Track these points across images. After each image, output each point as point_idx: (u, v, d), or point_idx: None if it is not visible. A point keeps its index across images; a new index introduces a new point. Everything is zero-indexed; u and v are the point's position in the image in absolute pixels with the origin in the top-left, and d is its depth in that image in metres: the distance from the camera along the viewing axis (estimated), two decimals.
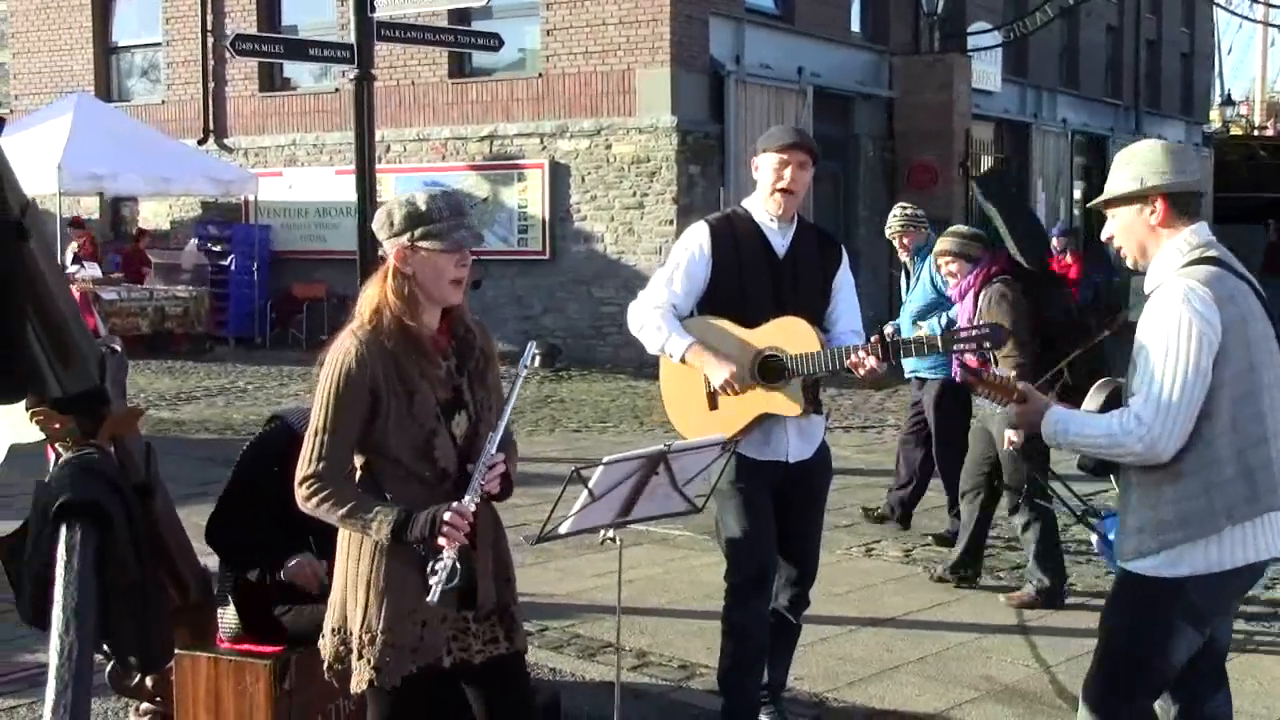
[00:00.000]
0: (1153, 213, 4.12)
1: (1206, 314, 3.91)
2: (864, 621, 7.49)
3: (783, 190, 5.39)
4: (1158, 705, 4.37)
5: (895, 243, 9.90)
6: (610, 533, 4.66)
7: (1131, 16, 36.68)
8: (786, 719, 5.81)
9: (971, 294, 7.94)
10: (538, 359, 4.17)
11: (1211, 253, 4.09)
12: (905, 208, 10.07)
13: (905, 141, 25.25)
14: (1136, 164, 4.17)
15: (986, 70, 27.31)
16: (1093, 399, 4.31)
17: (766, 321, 5.31)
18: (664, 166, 20.31)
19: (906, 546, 9.31)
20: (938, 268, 8.51)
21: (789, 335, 5.27)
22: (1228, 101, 51.71)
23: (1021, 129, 29.90)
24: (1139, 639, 4.13)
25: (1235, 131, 51.26)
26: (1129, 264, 4.26)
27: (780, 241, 5.47)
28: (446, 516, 3.77)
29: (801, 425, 5.42)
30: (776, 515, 5.48)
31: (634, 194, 20.40)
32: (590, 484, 4.41)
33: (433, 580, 3.79)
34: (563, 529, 4.54)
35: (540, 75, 21.34)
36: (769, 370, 5.27)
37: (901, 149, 25.29)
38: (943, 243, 8.34)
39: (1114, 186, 4.20)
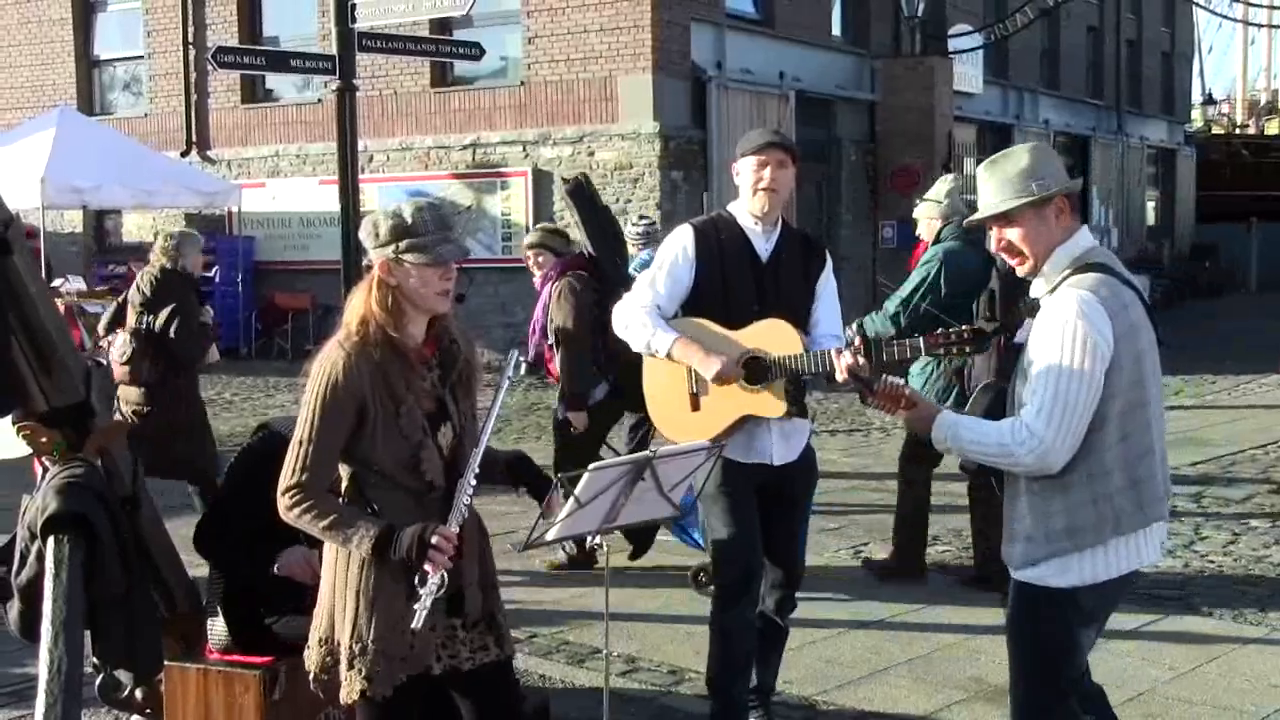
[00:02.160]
0: (1059, 214, 4.09)
1: (1099, 325, 3.89)
2: (852, 623, 7.51)
3: (765, 189, 5.41)
4: None
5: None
6: (598, 538, 4.67)
7: (1112, 17, 36.80)
8: None
9: (548, 286, 8.61)
10: (524, 367, 4.18)
11: (1097, 258, 4.07)
12: (637, 222, 11.02)
13: (887, 144, 25.29)
14: (1023, 170, 4.09)
15: (968, 72, 27.37)
16: (977, 403, 4.29)
17: (749, 324, 5.33)
18: (647, 172, 20.33)
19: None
20: (526, 259, 9.20)
21: (772, 337, 5.29)
22: (1209, 100, 51.90)
23: (1004, 130, 29.96)
24: (1043, 646, 4.14)
25: (1217, 130, 51.47)
26: (1023, 272, 4.17)
27: (764, 245, 5.50)
28: (433, 540, 3.77)
29: (785, 428, 5.44)
30: (762, 518, 5.49)
31: (617, 200, 20.38)
32: (577, 490, 4.42)
33: (417, 606, 3.79)
34: (549, 535, 4.54)
35: (522, 83, 21.36)
36: (752, 372, 5.29)
37: (884, 152, 25.33)
38: (530, 236, 9.28)
39: (1006, 196, 4.10)
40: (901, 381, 4.31)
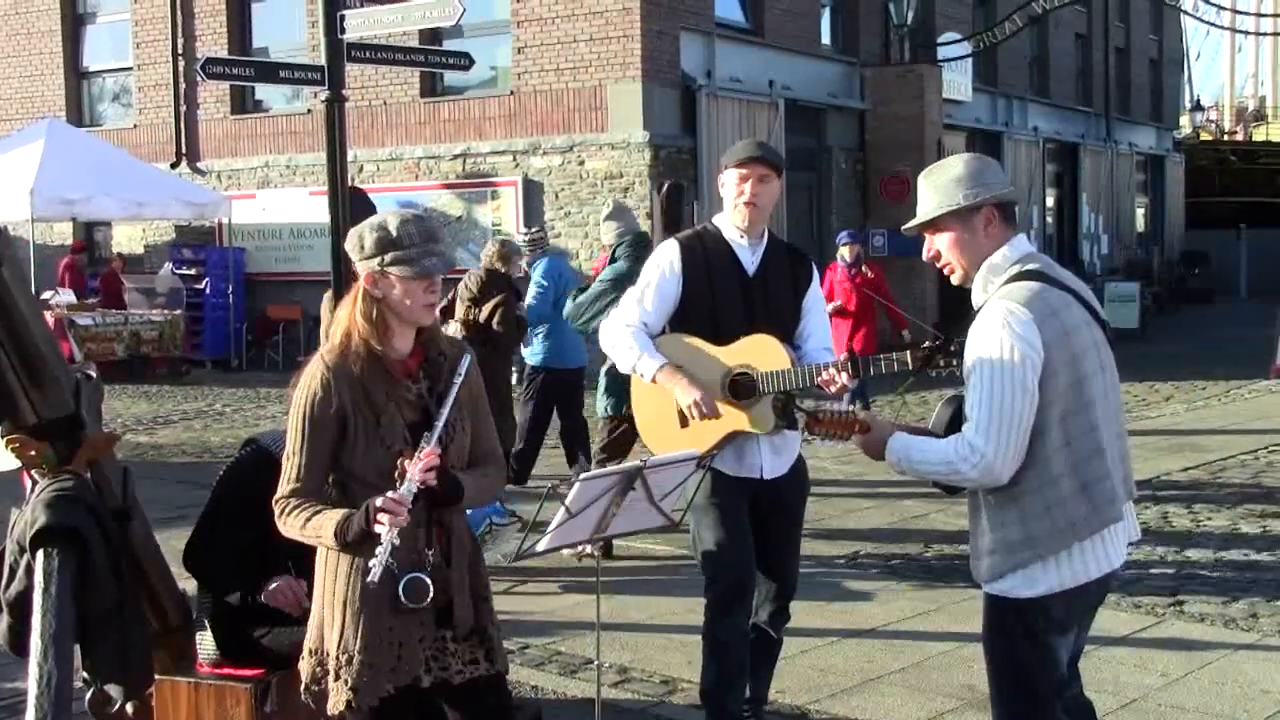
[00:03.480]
0: (987, 223, 4.09)
1: (1026, 335, 3.89)
2: (845, 633, 7.50)
3: (746, 204, 5.41)
4: None
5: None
6: (589, 548, 4.67)
7: (1100, 24, 36.89)
8: None
9: None
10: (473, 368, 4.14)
11: (1031, 265, 4.07)
12: (525, 231, 12.01)
13: (877, 152, 25.33)
14: (954, 178, 4.11)
15: (957, 80, 27.43)
16: (939, 415, 4.28)
17: (737, 339, 5.32)
18: (637, 181, 20.34)
19: (886, 557, 9.32)
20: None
21: (759, 353, 5.28)
22: (1197, 107, 52.04)
23: (993, 138, 30.00)
24: (1018, 658, 4.14)
25: (1205, 137, 51.60)
26: (955, 280, 4.19)
27: (750, 258, 5.49)
28: (379, 503, 3.76)
29: (775, 442, 5.43)
30: (755, 531, 5.48)
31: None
32: (567, 501, 4.42)
33: (372, 562, 3.77)
34: (540, 546, 4.55)
35: (512, 93, 21.37)
36: (740, 388, 5.28)
37: (873, 160, 25.38)
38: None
39: (936, 203, 4.13)
40: (849, 408, 4.31)
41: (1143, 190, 40.70)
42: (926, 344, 4.83)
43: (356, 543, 3.82)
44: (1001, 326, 3.92)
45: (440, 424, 3.93)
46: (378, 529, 3.75)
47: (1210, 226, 41.53)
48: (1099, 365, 4.07)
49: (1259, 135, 54.94)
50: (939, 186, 4.13)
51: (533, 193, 21.07)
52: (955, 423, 4.12)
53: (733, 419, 5.28)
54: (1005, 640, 4.16)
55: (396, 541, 3.77)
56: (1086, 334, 4.04)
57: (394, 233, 3.92)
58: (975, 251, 4.11)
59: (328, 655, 3.95)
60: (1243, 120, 59.64)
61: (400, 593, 3.87)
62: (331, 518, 3.84)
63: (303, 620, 4.25)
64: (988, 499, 4.07)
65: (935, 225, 4.15)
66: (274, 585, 4.93)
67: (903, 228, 4.35)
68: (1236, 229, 40.77)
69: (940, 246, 4.16)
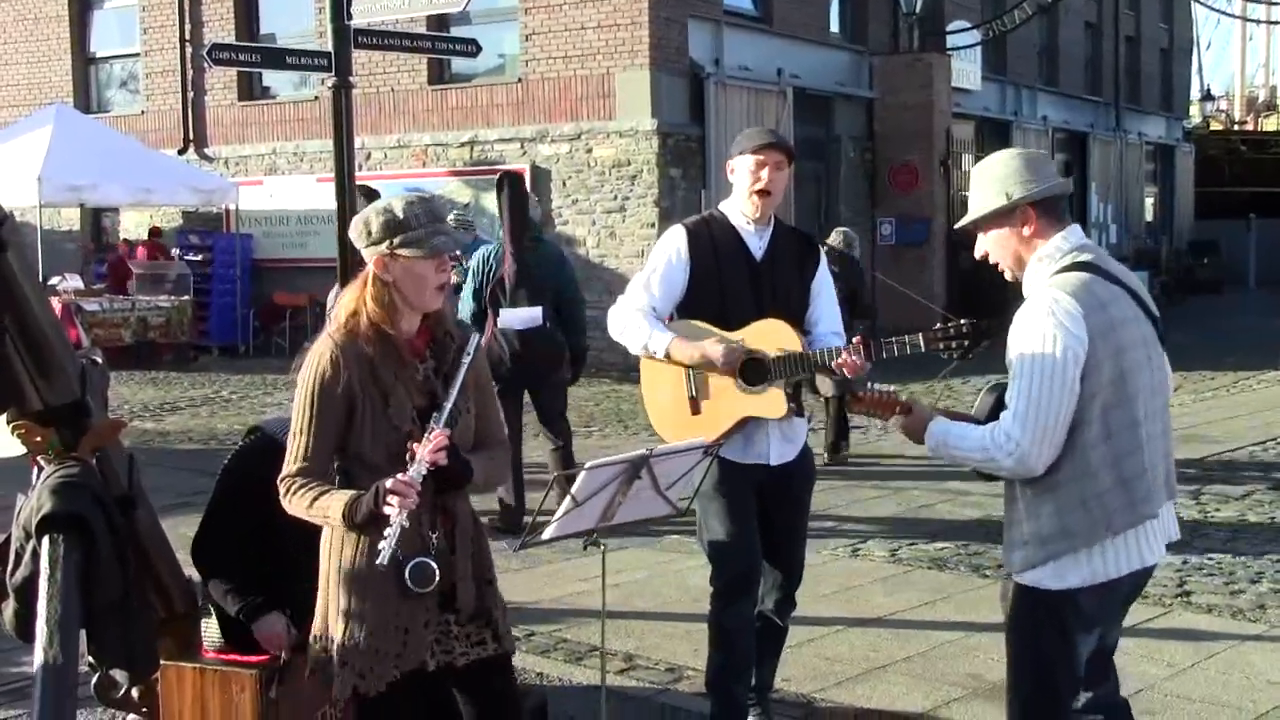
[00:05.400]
0: (1025, 224, 4.10)
1: (1071, 326, 3.88)
2: (850, 621, 7.50)
3: (759, 192, 5.39)
4: None
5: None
6: (595, 536, 4.66)
7: (1110, 13, 36.77)
8: None
9: None
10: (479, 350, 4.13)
11: (1084, 257, 4.06)
12: (457, 214, 12.02)
13: (885, 141, 25.29)
14: (998, 178, 4.14)
15: (966, 69, 27.35)
16: (982, 401, 4.28)
17: (747, 324, 5.31)
18: (645, 169, 20.31)
19: (892, 546, 9.32)
20: None
21: (770, 337, 5.27)
22: (1207, 97, 51.88)
23: (1002, 127, 29.94)
24: (1042, 649, 4.13)
25: (1215, 126, 51.49)
26: (1008, 277, 4.23)
27: (758, 244, 5.47)
28: (389, 484, 3.75)
29: (783, 428, 5.42)
30: (760, 518, 5.47)
31: (615, 198, 20.41)
32: (573, 489, 4.42)
33: (381, 545, 3.77)
34: (546, 534, 4.54)
35: (520, 80, 21.34)
36: (750, 373, 5.27)
37: (882, 149, 25.33)
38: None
39: (978, 205, 4.16)
40: (892, 388, 4.31)
41: (1152, 180, 40.59)
42: (939, 327, 4.83)
43: (364, 524, 3.81)
44: (1046, 316, 3.91)
45: (449, 405, 3.92)
46: (387, 510, 3.74)
47: (1220, 216, 41.42)
48: (1146, 360, 4.05)
49: (1269, 125, 54.83)
50: (982, 186, 4.17)
51: (540, 180, 21.04)
52: (997, 410, 4.13)
53: (744, 404, 5.27)
54: (1031, 632, 4.15)
55: (405, 524, 3.76)
56: (1135, 329, 4.03)
57: (401, 215, 3.92)
58: (1015, 250, 4.14)
59: (333, 641, 3.95)
60: (1253, 110, 59.50)
61: (406, 577, 3.87)
62: (339, 498, 3.83)
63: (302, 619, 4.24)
64: (1024, 490, 4.07)
65: (979, 225, 4.18)
66: (264, 622, 4.89)
67: (955, 225, 4.40)
68: (1246, 219, 40.67)
69: (987, 246, 4.20)
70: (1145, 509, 4.02)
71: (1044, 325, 3.91)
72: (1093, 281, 3.99)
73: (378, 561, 3.78)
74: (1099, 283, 4.00)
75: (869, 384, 4.35)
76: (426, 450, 3.81)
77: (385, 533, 3.76)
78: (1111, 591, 4.09)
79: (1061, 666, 4.12)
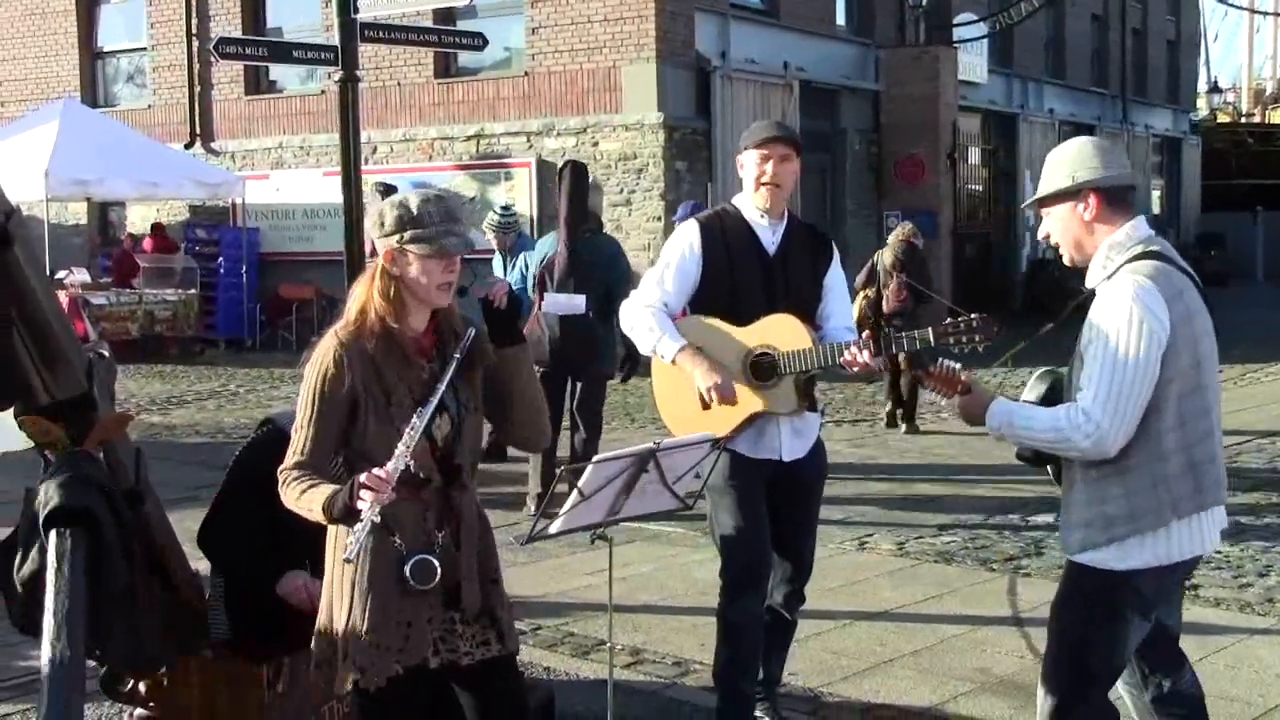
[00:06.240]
0: (1086, 208, 4.15)
1: (1156, 310, 3.93)
2: (858, 615, 7.50)
3: (768, 185, 5.38)
4: (1129, 695, 4.42)
5: (493, 243, 11.78)
6: (602, 530, 4.65)
7: (1117, 6, 36.73)
8: (781, 715, 5.81)
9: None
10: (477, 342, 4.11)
11: (1154, 247, 4.11)
12: (497, 212, 11.94)
13: (892, 134, 25.27)
14: (1067, 160, 4.20)
15: (972, 62, 27.33)
16: (1032, 389, 4.31)
17: (758, 319, 5.30)
18: (651, 163, 20.30)
19: (900, 540, 9.32)
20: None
21: (781, 333, 5.26)
22: (1214, 89, 51.83)
23: (1008, 120, 29.93)
24: (1092, 630, 4.15)
25: (1223, 119, 51.41)
26: (1065, 261, 4.29)
27: (770, 238, 5.46)
28: (363, 479, 3.74)
29: (795, 423, 5.40)
30: (771, 513, 5.46)
31: (621, 191, 20.39)
32: (580, 483, 4.41)
33: (350, 538, 3.76)
34: (552, 529, 4.54)
35: (526, 74, 21.33)
36: (761, 368, 5.26)
37: (888, 142, 25.31)
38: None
39: (1045, 185, 4.23)
40: (958, 366, 4.34)
41: (1159, 172, 40.54)
42: (949, 322, 4.83)
43: (341, 518, 3.81)
44: (1133, 300, 3.95)
45: (434, 399, 3.91)
46: (359, 505, 3.73)
47: (1226, 209, 41.38)
48: (1211, 351, 4.12)
49: (1276, 117, 54.70)
50: (1051, 168, 4.23)
51: (546, 174, 21.02)
52: (1048, 397, 4.17)
53: (754, 400, 5.26)
54: (1083, 612, 4.18)
55: (377, 519, 3.75)
56: (1204, 320, 4.09)
57: (415, 210, 3.91)
58: (1075, 234, 4.19)
59: (336, 635, 3.94)
60: (1261, 102, 59.38)
61: (407, 573, 3.87)
62: (323, 491, 3.82)
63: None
64: (1089, 472, 4.10)
65: (1043, 204, 4.24)
66: (289, 579, 4.91)
67: (1022, 204, 4.51)
68: (1253, 212, 40.63)
69: (1049, 226, 4.27)
70: (1212, 495, 4.08)
71: (1129, 308, 3.95)
72: (1169, 270, 4.05)
73: (345, 556, 3.79)
74: (1174, 272, 4.06)
75: (940, 360, 4.39)
76: (406, 446, 3.81)
77: (355, 527, 3.76)
78: (1171, 574, 4.14)
79: (1105, 653, 4.14)
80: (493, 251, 11.98)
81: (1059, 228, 4.23)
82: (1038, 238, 4.38)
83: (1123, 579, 4.06)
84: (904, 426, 14.19)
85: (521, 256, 10.93)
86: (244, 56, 15.74)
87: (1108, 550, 4.07)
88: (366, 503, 3.71)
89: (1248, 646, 6.89)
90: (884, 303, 13.99)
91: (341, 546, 3.93)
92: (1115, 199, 4.16)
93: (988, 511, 10.12)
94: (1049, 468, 4.33)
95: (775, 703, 5.81)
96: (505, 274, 11.12)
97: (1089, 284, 4.17)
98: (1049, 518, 9.90)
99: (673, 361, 5.30)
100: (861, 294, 14.07)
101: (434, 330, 4.06)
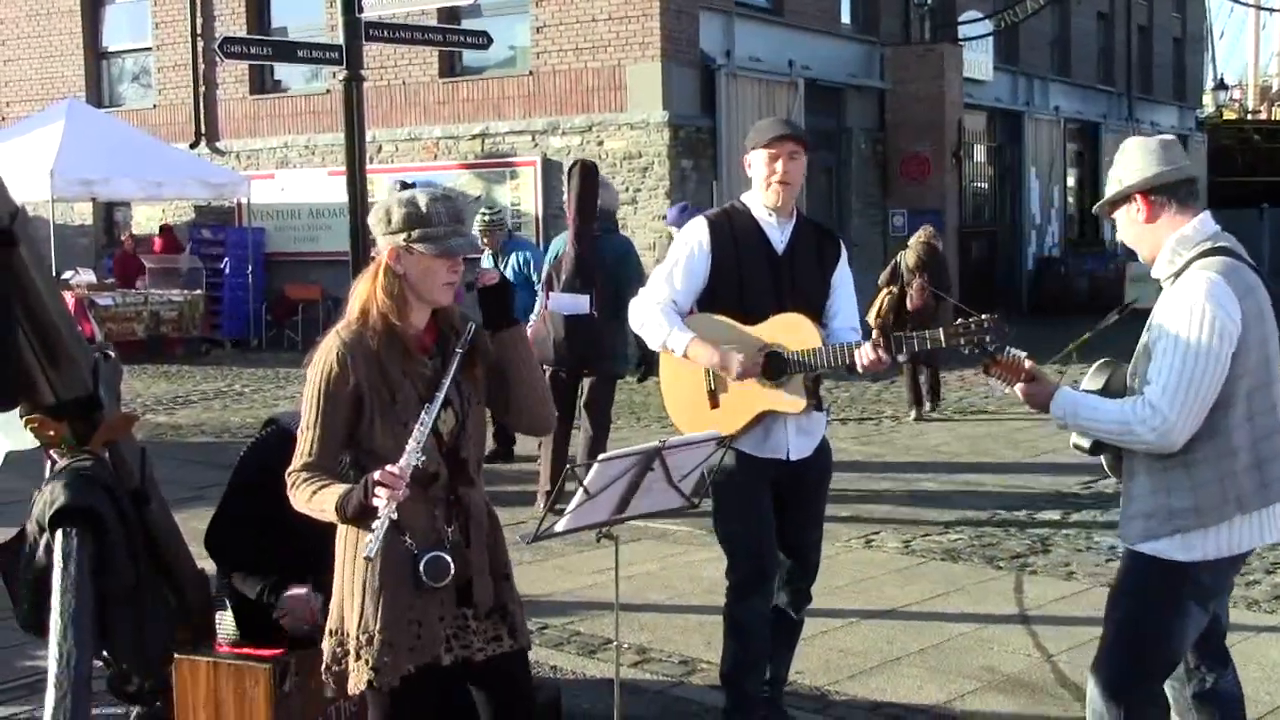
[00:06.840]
0: (1138, 211, 4.20)
1: (1227, 306, 3.96)
2: (864, 614, 7.49)
3: (778, 183, 5.37)
4: (1171, 689, 4.42)
5: (482, 243, 11.55)
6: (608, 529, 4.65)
7: (1122, 3, 36.64)
8: (788, 714, 5.81)
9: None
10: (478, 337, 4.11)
11: (1223, 243, 4.14)
12: (484, 213, 11.80)
13: (897, 132, 25.25)
14: (1118, 166, 4.26)
15: (978, 59, 27.28)
16: (1092, 380, 4.33)
17: (766, 318, 5.29)
18: (656, 162, 20.29)
19: (906, 538, 9.31)
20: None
21: (789, 332, 5.25)
22: (1221, 86, 51.69)
23: (1014, 117, 29.89)
24: (1151, 619, 4.18)
25: (1229, 116, 51.27)
26: (1141, 261, 4.33)
27: (779, 237, 5.45)
28: (377, 476, 3.74)
29: (802, 422, 5.40)
30: (777, 512, 5.46)
31: (626, 189, 20.36)
32: (585, 481, 4.40)
33: (369, 537, 3.76)
34: (558, 527, 4.53)
35: (530, 73, 21.32)
36: (771, 367, 5.25)
37: (893, 140, 25.29)
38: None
39: (1108, 191, 4.30)
40: (1023, 354, 4.36)
41: None
42: (960, 322, 4.83)
43: (355, 517, 3.80)
44: (1205, 295, 3.98)
45: (440, 395, 3.91)
46: (375, 503, 3.73)
47: (1232, 206, 41.23)
48: (1277, 350, 4.15)
49: None
50: (1112, 172, 4.30)
51: (552, 173, 21.02)
52: (1108, 388, 4.20)
53: (763, 399, 5.26)
54: (1143, 601, 4.20)
55: (394, 516, 3.75)
56: (1271, 318, 4.13)
57: (424, 209, 3.91)
58: (1135, 235, 4.25)
59: (348, 635, 3.93)
60: (1267, 99, 59.27)
61: (421, 571, 3.86)
62: (335, 491, 3.82)
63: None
64: (1153, 464, 4.12)
65: (1103, 212, 4.36)
66: (290, 593, 4.91)
67: (1094, 209, 4.61)
68: (1259, 209, 40.52)
69: (1119, 230, 4.35)
70: (1275, 491, 4.11)
71: (1201, 303, 3.97)
72: (1239, 266, 4.08)
73: (364, 555, 3.78)
74: (1244, 268, 4.09)
75: (1006, 349, 4.43)
76: (417, 443, 3.81)
77: (373, 525, 3.76)
78: (1231, 565, 4.18)
79: (1164, 640, 4.17)
80: (482, 251, 11.98)
81: (1123, 232, 4.30)
82: (1117, 239, 4.49)
83: (1185, 569, 4.09)
84: (929, 405, 15.04)
85: (513, 255, 10.99)
86: (249, 56, 15.78)
87: (1172, 541, 4.09)
88: (383, 500, 3.72)
89: (1255, 644, 6.88)
90: (907, 300, 14.16)
91: (352, 546, 3.93)
92: (1170, 194, 4.19)
93: (994, 509, 10.11)
94: (1103, 457, 4.36)
95: (781, 701, 5.80)
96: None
97: (1154, 276, 4.22)
98: (1055, 515, 9.90)
99: (685, 354, 5.30)
100: (885, 290, 14.39)
101: (434, 327, 4.06)
